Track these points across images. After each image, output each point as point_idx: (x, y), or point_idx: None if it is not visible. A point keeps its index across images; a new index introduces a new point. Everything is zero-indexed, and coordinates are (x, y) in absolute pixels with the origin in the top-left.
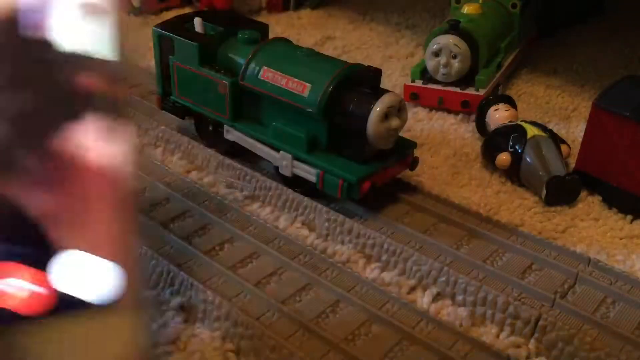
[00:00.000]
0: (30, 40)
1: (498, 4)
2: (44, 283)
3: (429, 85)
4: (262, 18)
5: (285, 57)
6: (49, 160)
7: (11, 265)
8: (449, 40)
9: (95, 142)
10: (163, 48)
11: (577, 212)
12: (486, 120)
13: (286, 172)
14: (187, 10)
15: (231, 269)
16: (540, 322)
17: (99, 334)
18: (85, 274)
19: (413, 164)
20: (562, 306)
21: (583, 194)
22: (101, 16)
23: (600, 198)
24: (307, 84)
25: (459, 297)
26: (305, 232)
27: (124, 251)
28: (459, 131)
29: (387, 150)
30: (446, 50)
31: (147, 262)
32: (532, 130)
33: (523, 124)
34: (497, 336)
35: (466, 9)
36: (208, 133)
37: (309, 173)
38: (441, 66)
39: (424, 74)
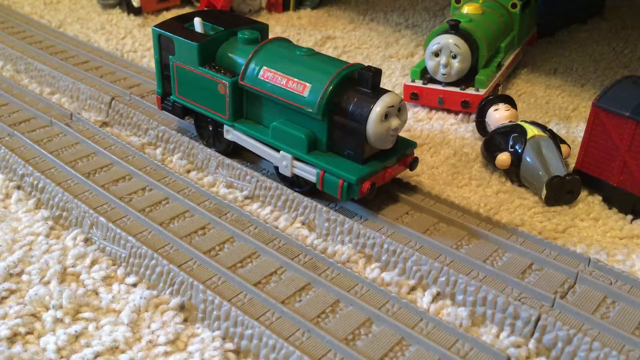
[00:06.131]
0: None
1: (498, 4)
2: None
3: (429, 85)
4: (262, 18)
5: (285, 57)
6: None
7: None
8: (449, 40)
9: None
10: (163, 48)
11: (577, 212)
12: (486, 120)
13: (286, 172)
14: (187, 10)
15: (231, 269)
16: (540, 322)
17: None
18: None
19: (413, 164)
20: (562, 306)
21: (583, 194)
22: None
23: (600, 198)
24: (307, 84)
25: (459, 297)
26: (305, 232)
27: None
28: (459, 131)
29: (387, 150)
30: (446, 50)
31: (148, 262)
32: (532, 130)
33: (523, 124)
34: (497, 336)
35: (466, 9)
36: (208, 133)
37: (309, 173)
38: (441, 66)
39: (424, 74)
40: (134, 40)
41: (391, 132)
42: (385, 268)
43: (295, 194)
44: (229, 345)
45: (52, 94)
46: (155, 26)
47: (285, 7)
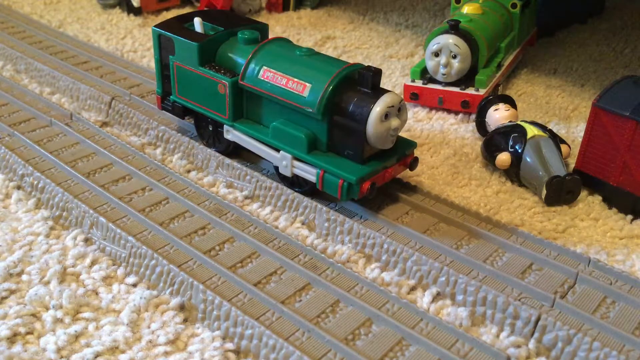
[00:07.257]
0: None
1: (498, 4)
2: None
3: (429, 85)
4: (262, 18)
5: (285, 57)
6: None
7: None
8: (449, 40)
9: None
10: (163, 48)
11: (577, 212)
12: (486, 120)
13: (286, 172)
14: (187, 10)
15: (231, 269)
16: (540, 322)
17: None
18: None
19: (413, 164)
20: (562, 306)
21: (583, 194)
22: None
23: (600, 198)
24: (307, 84)
25: (459, 297)
26: (305, 232)
27: None
28: (459, 131)
29: (387, 150)
30: (446, 50)
31: (148, 262)
32: (532, 130)
33: (523, 124)
34: (497, 336)
35: (466, 9)
36: (208, 133)
37: (309, 173)
38: (441, 66)
39: (424, 74)
40: (134, 40)
41: (391, 132)
42: (385, 268)
43: (295, 194)
44: (229, 345)
45: (52, 94)
46: (155, 26)
47: (285, 7)
